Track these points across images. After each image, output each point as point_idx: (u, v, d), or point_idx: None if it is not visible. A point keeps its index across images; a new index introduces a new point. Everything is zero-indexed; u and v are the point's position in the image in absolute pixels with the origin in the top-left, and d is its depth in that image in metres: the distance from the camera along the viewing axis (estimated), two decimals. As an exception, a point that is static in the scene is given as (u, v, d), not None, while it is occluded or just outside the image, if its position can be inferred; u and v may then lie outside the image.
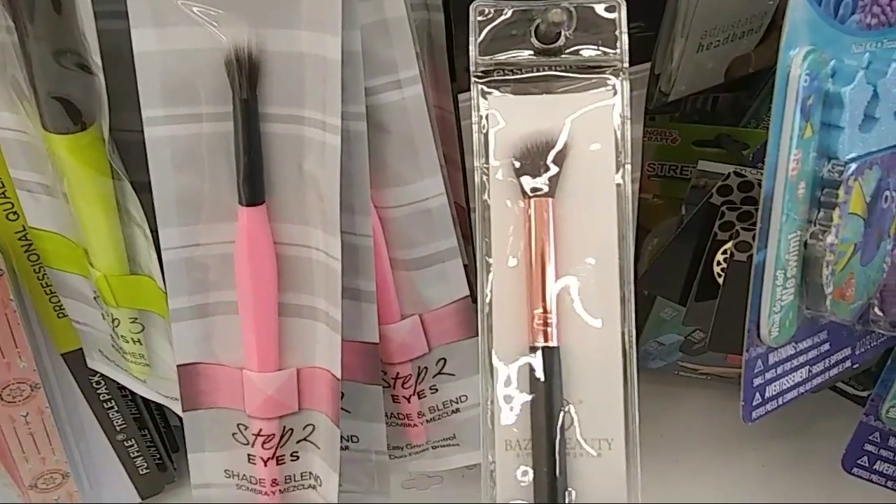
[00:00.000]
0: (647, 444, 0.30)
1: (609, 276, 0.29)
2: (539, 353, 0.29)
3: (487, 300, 0.29)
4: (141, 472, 0.46)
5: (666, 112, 0.55)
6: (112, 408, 0.44)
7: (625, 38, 0.30)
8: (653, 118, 0.55)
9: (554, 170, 0.30)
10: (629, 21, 0.34)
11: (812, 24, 0.32)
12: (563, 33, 0.30)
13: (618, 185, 0.29)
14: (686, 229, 0.47)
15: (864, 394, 0.51)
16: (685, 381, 0.54)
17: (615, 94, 0.30)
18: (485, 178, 0.30)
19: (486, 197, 0.29)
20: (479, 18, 0.29)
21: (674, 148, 0.54)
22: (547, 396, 0.28)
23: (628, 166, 0.29)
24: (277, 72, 0.30)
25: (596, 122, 0.30)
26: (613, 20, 0.30)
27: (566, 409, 0.29)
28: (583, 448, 0.29)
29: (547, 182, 0.30)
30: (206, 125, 0.31)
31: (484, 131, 0.30)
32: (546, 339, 0.29)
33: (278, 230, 0.32)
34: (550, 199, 0.29)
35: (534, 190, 0.29)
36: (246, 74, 0.30)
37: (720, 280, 0.44)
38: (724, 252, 0.44)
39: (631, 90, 0.37)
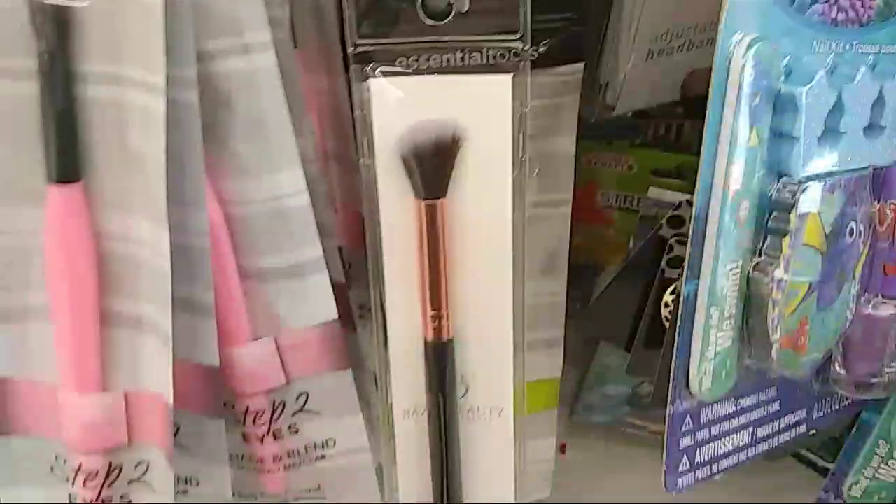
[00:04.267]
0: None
1: (503, 272, 0.28)
2: (433, 347, 0.29)
3: (380, 300, 0.29)
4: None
5: (625, 138, 0.50)
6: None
7: (527, 14, 0.27)
8: (610, 143, 0.49)
9: (445, 166, 0.27)
10: (557, 10, 0.31)
11: (760, 7, 0.26)
12: (454, 7, 0.27)
13: (514, 181, 0.28)
14: (632, 265, 0.43)
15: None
16: (633, 441, 0.50)
17: (515, 80, 0.27)
18: (371, 174, 0.28)
19: (373, 194, 0.28)
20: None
21: (630, 177, 0.49)
22: (440, 380, 0.29)
23: (526, 159, 0.28)
24: (94, 19, 0.25)
25: (491, 111, 0.27)
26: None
27: (462, 381, 0.30)
28: (476, 413, 0.30)
29: (438, 181, 0.27)
30: (5, 85, 0.26)
31: (368, 122, 0.28)
32: (440, 336, 0.29)
33: (97, 219, 0.27)
34: (442, 201, 0.27)
35: (425, 189, 0.27)
36: (53, 21, 0.25)
37: (668, 324, 0.39)
38: (673, 292, 0.39)
39: (559, 94, 0.33)
